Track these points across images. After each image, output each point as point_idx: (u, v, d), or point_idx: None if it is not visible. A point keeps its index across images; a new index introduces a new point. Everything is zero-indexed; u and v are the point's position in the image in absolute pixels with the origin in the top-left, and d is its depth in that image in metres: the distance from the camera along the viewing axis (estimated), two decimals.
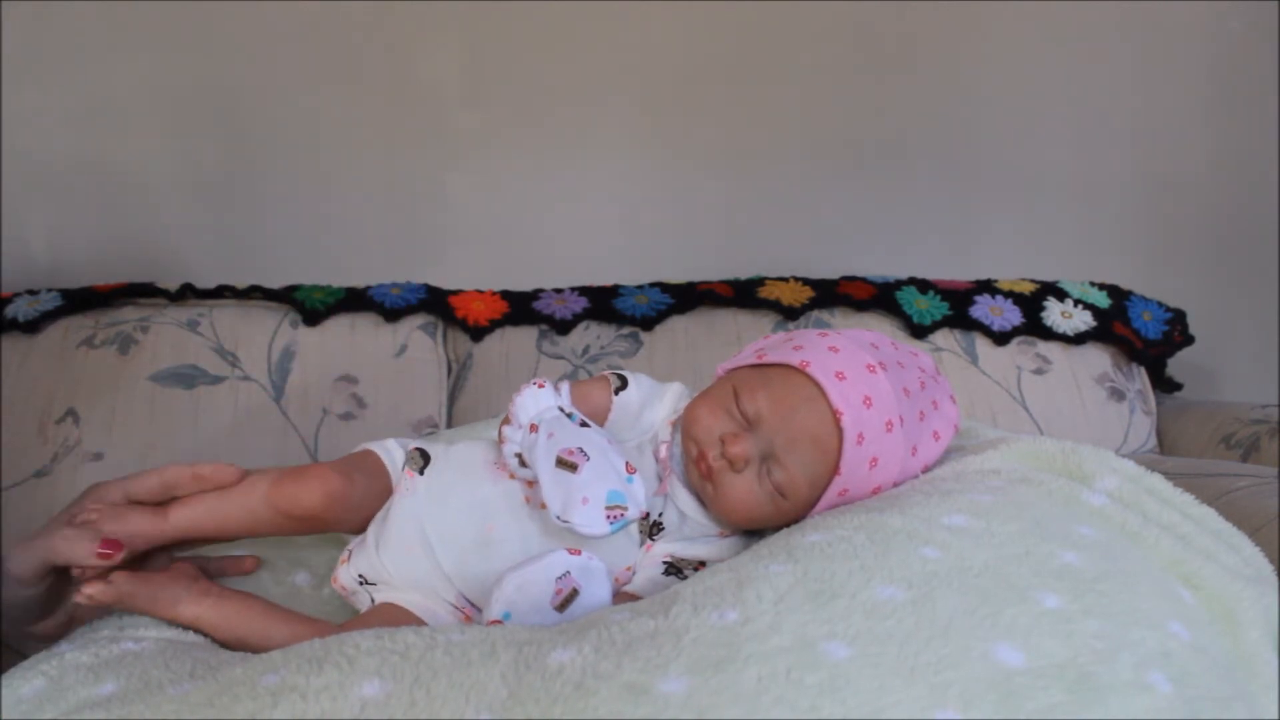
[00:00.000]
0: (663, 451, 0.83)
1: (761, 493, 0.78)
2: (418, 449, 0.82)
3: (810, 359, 0.78)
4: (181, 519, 0.78)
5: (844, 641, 0.52)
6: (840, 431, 0.76)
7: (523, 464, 0.77)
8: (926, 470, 0.82)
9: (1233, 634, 0.63)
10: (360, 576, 0.79)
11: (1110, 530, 0.70)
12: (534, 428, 0.77)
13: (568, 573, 0.71)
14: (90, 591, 0.73)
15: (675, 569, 0.79)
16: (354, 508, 0.80)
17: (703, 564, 0.79)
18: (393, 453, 0.82)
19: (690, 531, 0.81)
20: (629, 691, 0.50)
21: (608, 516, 0.73)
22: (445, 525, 0.77)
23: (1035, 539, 0.64)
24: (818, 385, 0.77)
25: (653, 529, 0.80)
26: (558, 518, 0.73)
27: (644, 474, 0.78)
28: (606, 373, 0.87)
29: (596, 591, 0.72)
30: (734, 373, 0.83)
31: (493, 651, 0.55)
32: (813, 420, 0.77)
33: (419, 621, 0.76)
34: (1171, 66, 1.73)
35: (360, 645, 0.56)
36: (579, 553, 0.72)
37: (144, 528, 0.76)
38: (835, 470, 0.77)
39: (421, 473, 0.80)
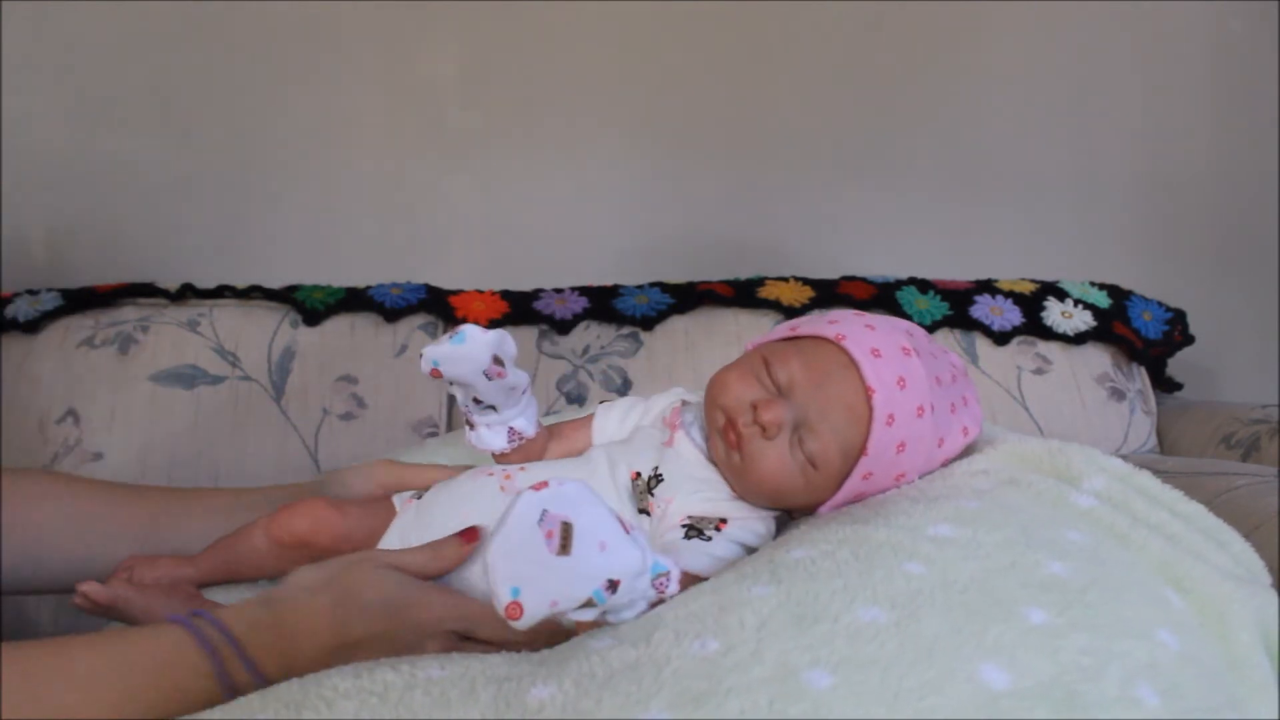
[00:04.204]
0: (670, 414, 0.83)
1: (794, 463, 0.75)
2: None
3: (846, 333, 0.76)
4: (203, 566, 0.85)
5: (827, 669, 0.51)
6: (871, 410, 0.74)
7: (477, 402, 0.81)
8: (945, 464, 0.80)
9: (1223, 637, 0.62)
10: None
11: (1098, 533, 0.69)
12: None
13: (545, 512, 0.58)
14: (85, 589, 0.76)
15: (696, 530, 0.76)
16: (345, 537, 0.81)
17: (724, 522, 0.76)
18: (404, 495, 0.86)
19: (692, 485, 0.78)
20: None
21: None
22: (425, 527, 0.79)
23: (1022, 548, 0.63)
24: (852, 359, 0.75)
25: (650, 482, 0.78)
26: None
27: (646, 445, 0.81)
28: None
29: (589, 512, 0.59)
30: (762, 346, 0.81)
31: (472, 690, 0.54)
32: (847, 389, 0.74)
33: None
34: (1171, 66, 1.73)
35: (338, 687, 0.55)
36: (544, 485, 0.60)
37: (170, 572, 0.83)
38: (863, 450, 0.75)
39: (420, 496, 0.84)
